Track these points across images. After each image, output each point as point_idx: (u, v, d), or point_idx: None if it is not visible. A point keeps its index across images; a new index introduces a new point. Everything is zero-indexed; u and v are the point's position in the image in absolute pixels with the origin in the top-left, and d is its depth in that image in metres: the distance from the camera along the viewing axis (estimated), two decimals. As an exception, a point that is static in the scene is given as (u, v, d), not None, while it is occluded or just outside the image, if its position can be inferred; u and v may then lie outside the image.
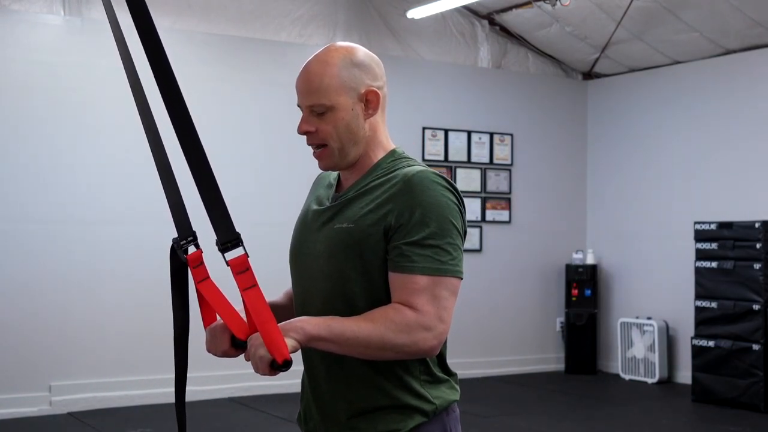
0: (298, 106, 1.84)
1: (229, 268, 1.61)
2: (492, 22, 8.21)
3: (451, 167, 7.99)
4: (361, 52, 1.84)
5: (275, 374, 1.62)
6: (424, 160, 7.78)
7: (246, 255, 1.61)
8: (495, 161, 8.22)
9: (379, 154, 1.86)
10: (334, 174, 1.96)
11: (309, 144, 1.85)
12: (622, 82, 8.48)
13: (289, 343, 1.62)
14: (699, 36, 7.42)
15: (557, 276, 8.50)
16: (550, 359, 8.44)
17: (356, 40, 7.40)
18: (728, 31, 7.24)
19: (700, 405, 6.85)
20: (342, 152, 1.82)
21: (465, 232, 1.80)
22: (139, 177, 6.40)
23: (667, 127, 8.00)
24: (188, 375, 1.78)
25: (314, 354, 1.81)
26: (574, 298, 8.28)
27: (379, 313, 1.69)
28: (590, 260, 8.37)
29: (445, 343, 1.80)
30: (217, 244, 1.61)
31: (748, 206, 7.21)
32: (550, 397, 7.22)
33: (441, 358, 1.83)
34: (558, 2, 7.21)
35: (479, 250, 8.09)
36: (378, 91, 1.83)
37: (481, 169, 8.16)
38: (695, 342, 7.02)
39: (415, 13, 7.48)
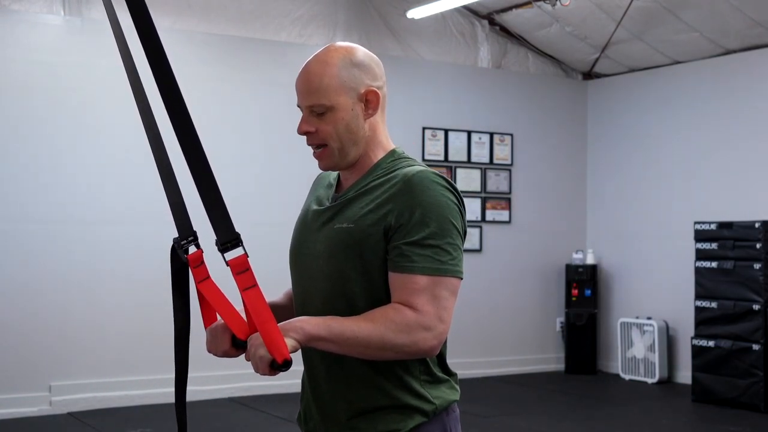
0: (298, 106, 1.84)
1: (229, 268, 1.61)
2: (492, 22, 8.21)
3: (451, 167, 7.99)
4: (361, 52, 1.84)
5: (275, 374, 1.62)
6: (424, 160, 7.78)
7: (246, 255, 1.62)
8: (495, 161, 8.22)
9: (379, 154, 1.86)
10: (334, 174, 1.96)
11: (309, 144, 1.85)
12: (622, 82, 8.48)
13: (289, 343, 1.62)
14: (699, 36, 7.42)
15: (557, 276, 8.50)
16: (550, 359, 8.44)
17: (356, 40, 7.40)
18: (728, 31, 7.24)
19: (700, 405, 6.85)
20: (342, 152, 1.82)
21: (465, 232, 1.80)
22: (139, 177, 6.40)
23: (667, 127, 8.00)
24: (188, 375, 1.78)
25: (314, 354, 1.81)
26: (574, 298, 8.28)
27: (379, 313, 1.69)
28: (590, 260, 8.37)
29: (445, 343, 1.80)
30: (216, 244, 1.61)
31: (748, 206, 7.21)
32: (550, 397, 7.22)
33: (441, 358, 1.83)
34: (558, 2, 7.21)
35: (479, 250, 8.09)
36: (378, 91, 1.83)
37: (481, 169, 8.16)
38: (695, 342, 7.02)
39: (415, 13, 7.48)
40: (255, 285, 1.61)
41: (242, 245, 1.62)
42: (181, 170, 1.69)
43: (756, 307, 6.62)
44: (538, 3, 7.51)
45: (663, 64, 8.07)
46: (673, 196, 7.91)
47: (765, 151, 7.21)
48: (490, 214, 8.18)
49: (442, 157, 7.94)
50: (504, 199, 8.26)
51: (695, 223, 7.17)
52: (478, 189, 8.13)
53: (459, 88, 8.07)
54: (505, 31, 8.30)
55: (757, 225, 6.68)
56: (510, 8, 7.84)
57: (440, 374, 1.82)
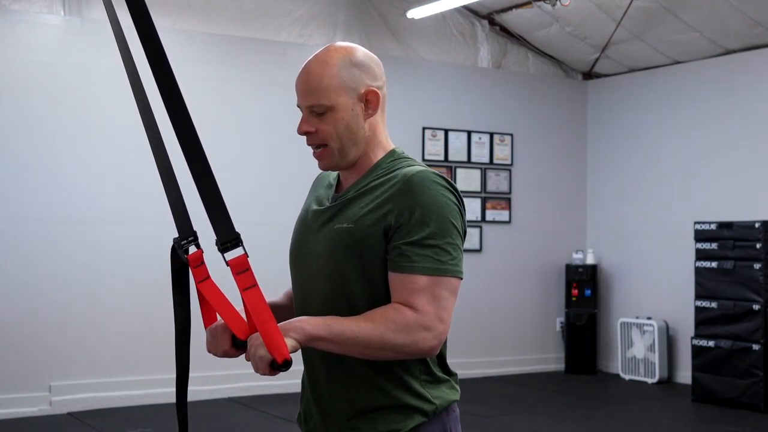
0: (298, 106, 1.84)
1: (229, 268, 1.61)
2: (492, 22, 8.21)
3: (451, 167, 7.99)
4: (361, 52, 1.84)
5: (275, 374, 1.62)
6: (424, 160, 7.78)
7: (246, 255, 1.62)
8: (495, 161, 8.22)
9: (379, 154, 1.86)
10: (333, 174, 1.96)
11: (309, 144, 1.85)
12: (622, 82, 8.48)
13: (289, 343, 1.62)
14: (699, 36, 7.42)
15: (557, 276, 8.50)
16: (550, 359, 8.44)
17: (356, 40, 7.40)
18: (728, 31, 7.24)
19: (700, 405, 6.85)
20: (342, 152, 1.82)
21: (465, 232, 1.80)
22: (139, 177, 6.41)
23: (667, 127, 8.00)
24: (189, 375, 1.78)
25: (314, 354, 1.81)
26: (574, 298, 8.28)
27: (378, 313, 1.69)
28: (590, 260, 8.37)
29: (445, 342, 1.80)
30: (216, 244, 1.61)
31: (748, 206, 7.21)
32: (550, 397, 7.22)
33: (441, 358, 1.83)
34: (558, 2, 7.21)
35: (479, 250, 8.09)
36: (378, 91, 1.83)
37: (481, 169, 8.16)
38: (695, 342, 7.02)
39: (415, 13, 7.48)
40: (255, 285, 1.61)
41: (242, 245, 1.62)
42: (181, 170, 1.69)
43: (756, 307, 6.62)
44: (538, 3, 7.51)
45: (663, 64, 8.07)
46: (673, 196, 7.91)
47: (765, 151, 7.21)
48: (490, 214, 8.18)
49: (442, 157, 7.94)
50: (504, 199, 8.26)
51: (695, 223, 7.17)
52: (478, 189, 8.13)
53: (459, 88, 8.07)
54: (505, 31, 8.30)
55: (757, 225, 6.68)
56: (510, 8, 7.84)
57: (440, 374, 1.82)
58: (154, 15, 1.59)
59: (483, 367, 7.99)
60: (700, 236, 7.07)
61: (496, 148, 8.23)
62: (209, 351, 1.80)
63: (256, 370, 1.63)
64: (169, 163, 1.70)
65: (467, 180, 8.07)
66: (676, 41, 7.60)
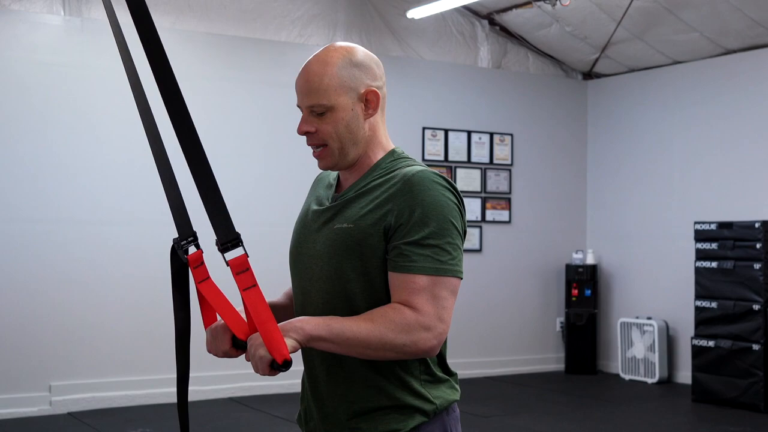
0: (298, 106, 1.84)
1: (229, 268, 1.61)
2: (492, 22, 8.21)
3: (451, 167, 7.99)
4: (361, 52, 1.84)
5: (275, 374, 1.62)
6: (424, 160, 7.78)
7: (246, 255, 1.61)
8: (495, 161, 8.22)
9: (379, 154, 1.86)
10: (333, 174, 1.96)
11: (309, 144, 1.85)
12: (622, 82, 8.48)
13: (289, 343, 1.62)
14: (699, 36, 7.42)
15: (557, 276, 8.50)
16: (550, 359, 8.44)
17: (356, 40, 7.41)
18: (728, 31, 7.24)
19: (700, 405, 6.85)
20: (342, 152, 1.82)
21: (465, 232, 1.80)
22: (139, 177, 6.41)
23: (667, 127, 8.00)
24: (189, 375, 1.78)
25: (314, 354, 1.81)
26: (574, 298, 8.28)
27: (378, 312, 1.69)
28: (590, 260, 8.37)
29: (445, 342, 1.80)
30: (216, 245, 1.61)
31: (748, 206, 7.21)
32: (550, 397, 7.22)
33: (441, 358, 1.83)
34: (558, 2, 7.21)
35: (479, 250, 8.09)
36: (378, 91, 1.83)
37: (481, 169, 8.16)
38: (695, 342, 7.02)
39: (415, 13, 7.48)
40: (255, 285, 1.61)
41: (242, 245, 1.62)
42: (181, 170, 1.69)
43: (756, 307, 6.62)
44: (538, 3, 7.51)
45: (663, 64, 8.07)
46: (673, 196, 7.91)
47: (765, 151, 7.21)
48: (490, 214, 8.18)
49: (442, 157, 7.94)
50: (504, 199, 8.26)
51: (695, 223, 7.17)
52: (478, 189, 8.13)
53: (459, 88, 8.06)
54: (505, 31, 8.30)
55: (757, 225, 6.68)
56: (510, 8, 7.84)
57: (440, 374, 1.82)
58: (154, 15, 1.60)
59: (483, 367, 7.99)
60: (700, 236, 7.07)
61: (496, 148, 8.23)
62: (209, 351, 1.80)
63: (256, 371, 1.63)
64: (169, 163, 1.70)
65: (467, 180, 8.07)
66: (676, 41, 7.60)
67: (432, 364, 1.81)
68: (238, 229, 1.62)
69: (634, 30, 7.60)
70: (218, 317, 1.77)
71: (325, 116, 1.80)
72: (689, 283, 7.31)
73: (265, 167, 7.08)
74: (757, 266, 6.64)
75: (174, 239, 1.70)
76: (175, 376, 1.79)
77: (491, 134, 8.22)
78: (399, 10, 7.70)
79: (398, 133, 6.75)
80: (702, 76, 7.75)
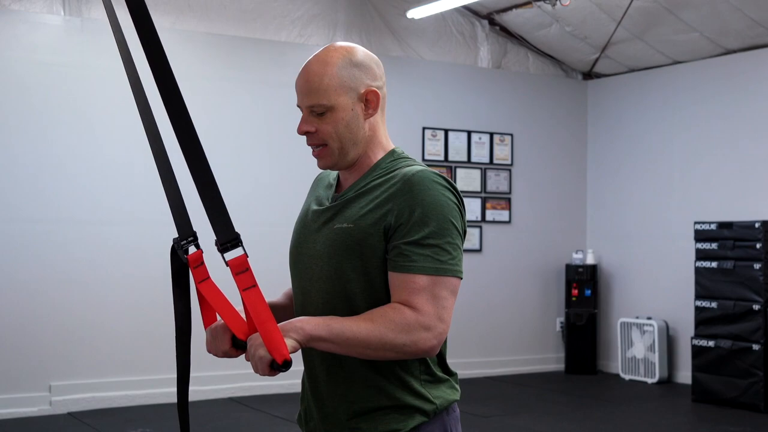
0: (298, 106, 1.84)
1: (228, 268, 1.61)
2: (492, 22, 8.21)
3: (451, 167, 7.99)
4: (361, 52, 1.84)
5: (275, 374, 1.62)
6: (424, 160, 7.78)
7: (245, 255, 1.61)
8: (495, 161, 8.22)
9: (379, 154, 1.86)
10: (333, 174, 1.96)
11: (309, 144, 1.85)
12: (622, 82, 8.48)
13: (289, 343, 1.62)
14: (699, 36, 7.42)
15: (557, 276, 8.50)
16: (550, 359, 8.44)
17: (356, 40, 7.40)
18: (728, 31, 7.24)
19: (700, 405, 6.85)
20: (342, 152, 1.82)
21: (465, 232, 1.80)
22: (139, 177, 6.41)
23: (667, 127, 8.00)
24: (190, 375, 1.78)
25: (315, 354, 1.81)
26: (574, 298, 8.28)
27: (378, 312, 1.69)
28: (590, 260, 8.37)
29: (445, 342, 1.80)
30: (216, 245, 1.61)
31: (748, 206, 7.21)
32: (550, 397, 7.22)
33: (441, 358, 1.83)
34: (558, 2, 7.21)
35: (479, 250, 8.09)
36: (378, 91, 1.83)
37: (481, 169, 8.16)
38: (695, 342, 7.02)
39: (415, 13, 7.48)
40: (255, 285, 1.60)
41: (242, 245, 1.61)
42: (181, 170, 1.69)
43: (756, 307, 6.62)
44: (538, 3, 7.51)
45: (663, 64, 8.07)
46: (673, 196, 7.91)
47: (765, 151, 7.21)
48: (490, 214, 8.18)
49: (442, 157, 7.94)
50: (504, 199, 8.26)
51: (695, 223, 7.17)
52: (478, 189, 8.13)
53: (459, 88, 8.07)
54: (505, 31, 8.30)
55: (757, 225, 6.68)
56: (510, 8, 7.84)
57: (440, 374, 1.82)
58: (154, 15, 1.60)
59: (483, 367, 7.99)
60: (700, 236, 7.07)
61: (496, 148, 8.23)
62: (209, 351, 1.80)
63: (256, 371, 1.62)
64: (169, 163, 1.70)
65: (467, 180, 8.07)
66: (676, 41, 7.60)
67: (432, 364, 1.81)
68: (237, 229, 1.61)
69: (634, 30, 7.60)
70: (218, 317, 1.77)
71: (325, 116, 1.80)
72: (689, 283, 7.31)
73: (264, 167, 7.08)
74: (757, 266, 6.64)
75: (174, 239, 1.70)
76: (175, 376, 1.79)
77: (491, 134, 8.22)
78: (399, 10, 7.70)
79: (398, 133, 6.75)
80: (702, 76, 7.75)
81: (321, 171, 1.98)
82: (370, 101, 1.82)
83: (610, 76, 8.58)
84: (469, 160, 8.09)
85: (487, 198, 8.17)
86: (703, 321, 6.97)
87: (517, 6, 7.75)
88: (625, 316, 8.20)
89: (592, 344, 8.26)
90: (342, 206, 1.82)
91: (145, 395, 6.50)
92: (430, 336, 1.69)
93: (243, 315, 1.68)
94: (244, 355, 1.70)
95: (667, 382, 7.78)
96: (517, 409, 6.68)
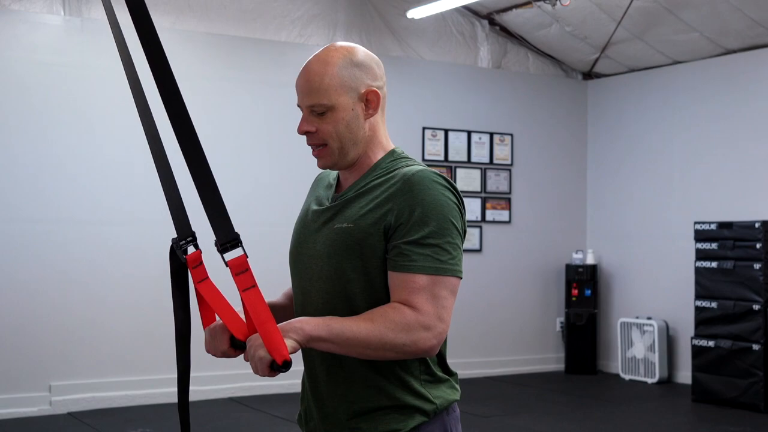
0: (298, 106, 1.84)
1: (228, 268, 1.61)
2: (492, 22, 8.21)
3: (451, 167, 7.99)
4: (361, 52, 1.84)
5: (275, 375, 1.61)
6: (424, 160, 7.78)
7: (245, 255, 1.61)
8: (495, 161, 8.22)
9: (379, 154, 1.86)
10: (333, 174, 1.96)
11: (309, 144, 1.85)
12: (622, 82, 8.48)
13: (289, 343, 1.62)
14: (699, 36, 7.42)
15: (557, 276, 8.50)
16: (550, 359, 8.44)
17: (356, 40, 7.40)
18: (728, 31, 7.24)
19: (700, 405, 6.85)
20: (342, 152, 1.82)
21: (465, 232, 1.80)
22: (138, 177, 6.41)
23: (667, 127, 8.00)
24: (190, 375, 1.78)
25: (315, 355, 1.81)
26: (574, 298, 8.28)
27: (378, 312, 1.69)
28: (590, 260, 8.37)
29: (445, 342, 1.80)
30: (216, 245, 1.61)
31: (748, 206, 7.21)
32: (550, 397, 7.22)
33: (441, 358, 1.83)
34: (558, 2, 7.21)
35: (479, 250, 8.09)
36: (378, 91, 1.83)
37: (481, 169, 8.16)
38: (695, 342, 7.02)
39: (415, 13, 7.48)
40: (254, 285, 1.60)
41: (242, 246, 1.61)
42: (180, 170, 1.69)
43: (756, 307, 6.62)
44: (538, 3, 7.51)
45: (663, 64, 8.07)
46: (673, 196, 7.91)
47: (765, 151, 7.21)
48: (490, 214, 8.18)
49: (442, 157, 7.94)
50: (504, 199, 8.26)
51: (695, 223, 7.17)
52: (478, 189, 8.13)
53: (459, 88, 8.07)
54: (505, 31, 8.30)
55: (757, 225, 6.68)
56: (510, 8, 7.84)
57: (440, 374, 1.82)
58: (154, 15, 1.60)
59: (483, 367, 7.99)
60: (700, 236, 7.07)
61: (496, 148, 8.23)
62: (208, 351, 1.80)
63: (256, 372, 1.62)
64: (169, 163, 1.70)
65: (467, 180, 8.07)
66: (676, 41, 7.60)
67: (432, 364, 1.80)
68: (237, 229, 1.61)
69: (634, 30, 7.60)
70: (217, 317, 1.77)
71: (325, 116, 1.80)
72: (689, 283, 7.31)
73: (264, 167, 7.08)
74: (757, 266, 6.64)
75: (173, 239, 1.70)
76: (175, 376, 1.79)
77: (491, 134, 8.22)
78: (399, 10, 7.70)
79: (398, 133, 6.75)
80: (702, 76, 7.75)
81: (321, 171, 1.98)
82: (370, 101, 1.82)
83: (610, 76, 8.58)
84: (469, 160, 8.09)
85: (487, 198, 8.17)
86: (703, 321, 6.97)
87: (517, 6, 7.75)
88: (625, 316, 8.20)
89: (592, 344, 8.26)
90: (342, 206, 1.82)
91: (145, 395, 6.50)
92: (430, 336, 1.69)
93: (242, 315, 1.68)
94: (243, 355, 1.69)
95: (667, 382, 7.78)
96: (517, 409, 6.68)
